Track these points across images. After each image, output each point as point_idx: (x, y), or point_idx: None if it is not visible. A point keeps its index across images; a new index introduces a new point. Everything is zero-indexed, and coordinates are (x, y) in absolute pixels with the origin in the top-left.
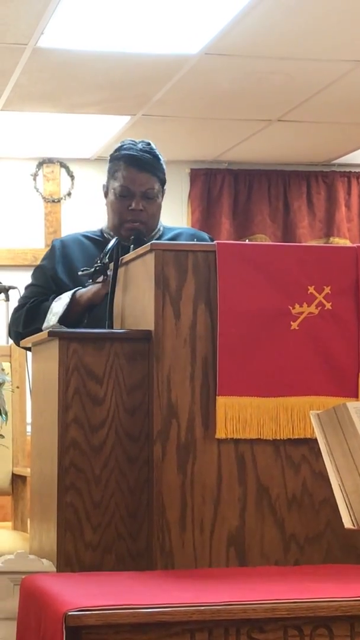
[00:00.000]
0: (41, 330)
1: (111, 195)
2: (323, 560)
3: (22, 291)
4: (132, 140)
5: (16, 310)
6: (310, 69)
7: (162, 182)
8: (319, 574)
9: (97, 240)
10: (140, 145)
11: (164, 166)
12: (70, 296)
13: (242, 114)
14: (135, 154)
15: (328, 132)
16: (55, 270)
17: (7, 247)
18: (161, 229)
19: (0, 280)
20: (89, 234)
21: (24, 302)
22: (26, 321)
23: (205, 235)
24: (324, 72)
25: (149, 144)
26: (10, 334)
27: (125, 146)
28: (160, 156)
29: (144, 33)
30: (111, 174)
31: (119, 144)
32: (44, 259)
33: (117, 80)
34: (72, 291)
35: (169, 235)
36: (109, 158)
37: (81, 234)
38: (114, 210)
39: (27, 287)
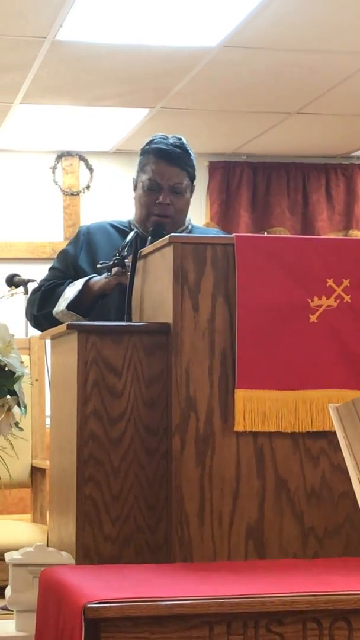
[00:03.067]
0: (52, 314)
1: (139, 189)
2: (342, 553)
3: None
4: (164, 135)
5: (34, 292)
6: (329, 61)
7: (192, 178)
8: (337, 567)
9: (124, 231)
10: (171, 140)
11: (195, 162)
12: (83, 283)
13: (261, 106)
14: (166, 147)
15: (347, 125)
16: (76, 257)
17: (26, 240)
18: (189, 226)
19: (19, 273)
20: (116, 224)
21: (41, 284)
22: (40, 304)
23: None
24: (343, 64)
25: (180, 139)
26: (26, 315)
27: (156, 140)
28: (191, 152)
29: (162, 26)
30: (141, 167)
31: (150, 138)
32: (69, 243)
33: (135, 73)
34: (86, 278)
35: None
36: (139, 152)
37: (109, 223)
38: (141, 204)
39: (49, 270)
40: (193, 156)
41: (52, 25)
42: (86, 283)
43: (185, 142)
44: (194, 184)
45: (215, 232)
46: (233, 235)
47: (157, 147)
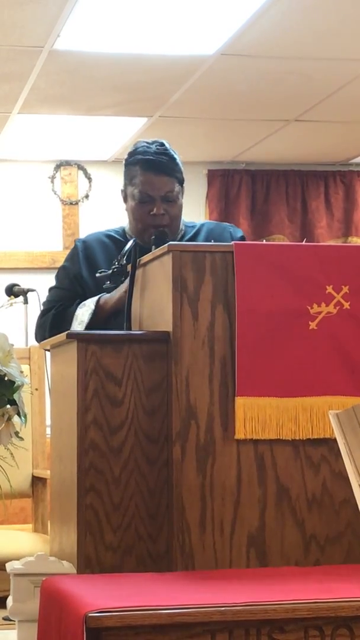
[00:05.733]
0: None
1: (131, 201)
2: (344, 560)
3: (42, 294)
4: (146, 142)
5: (42, 314)
6: (326, 69)
7: (181, 182)
8: (339, 574)
9: (119, 241)
10: (154, 147)
11: (181, 165)
12: (95, 305)
13: (259, 114)
14: (151, 157)
15: (345, 132)
16: (79, 272)
17: (26, 250)
18: (183, 228)
19: (19, 283)
20: (111, 233)
21: (49, 306)
22: (52, 327)
23: (226, 225)
24: (340, 71)
25: (162, 144)
26: (37, 338)
27: (139, 149)
28: (175, 156)
29: (160, 34)
30: (129, 180)
31: (133, 148)
32: (66, 260)
33: (133, 82)
34: (96, 298)
35: (191, 233)
36: (124, 162)
37: (103, 234)
38: (135, 217)
39: (50, 290)
40: (178, 159)
41: (49, 35)
42: (97, 304)
43: (168, 146)
44: (184, 186)
45: (206, 224)
46: (232, 243)
47: (142, 158)
